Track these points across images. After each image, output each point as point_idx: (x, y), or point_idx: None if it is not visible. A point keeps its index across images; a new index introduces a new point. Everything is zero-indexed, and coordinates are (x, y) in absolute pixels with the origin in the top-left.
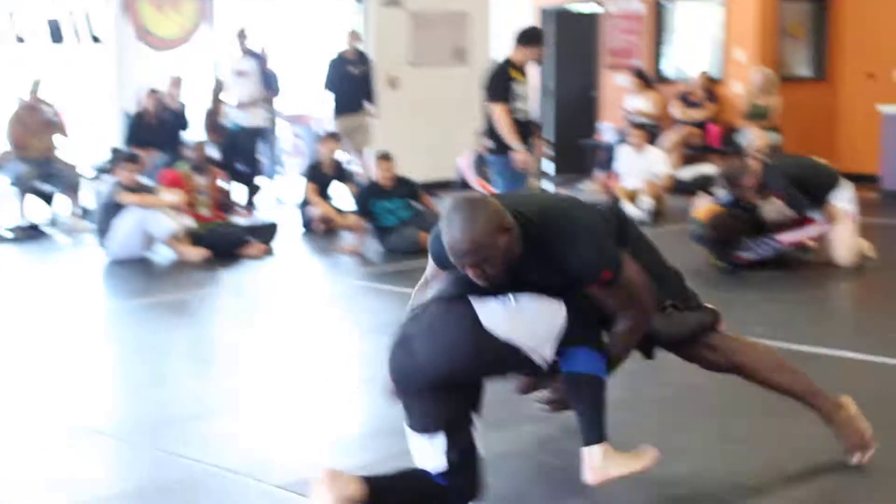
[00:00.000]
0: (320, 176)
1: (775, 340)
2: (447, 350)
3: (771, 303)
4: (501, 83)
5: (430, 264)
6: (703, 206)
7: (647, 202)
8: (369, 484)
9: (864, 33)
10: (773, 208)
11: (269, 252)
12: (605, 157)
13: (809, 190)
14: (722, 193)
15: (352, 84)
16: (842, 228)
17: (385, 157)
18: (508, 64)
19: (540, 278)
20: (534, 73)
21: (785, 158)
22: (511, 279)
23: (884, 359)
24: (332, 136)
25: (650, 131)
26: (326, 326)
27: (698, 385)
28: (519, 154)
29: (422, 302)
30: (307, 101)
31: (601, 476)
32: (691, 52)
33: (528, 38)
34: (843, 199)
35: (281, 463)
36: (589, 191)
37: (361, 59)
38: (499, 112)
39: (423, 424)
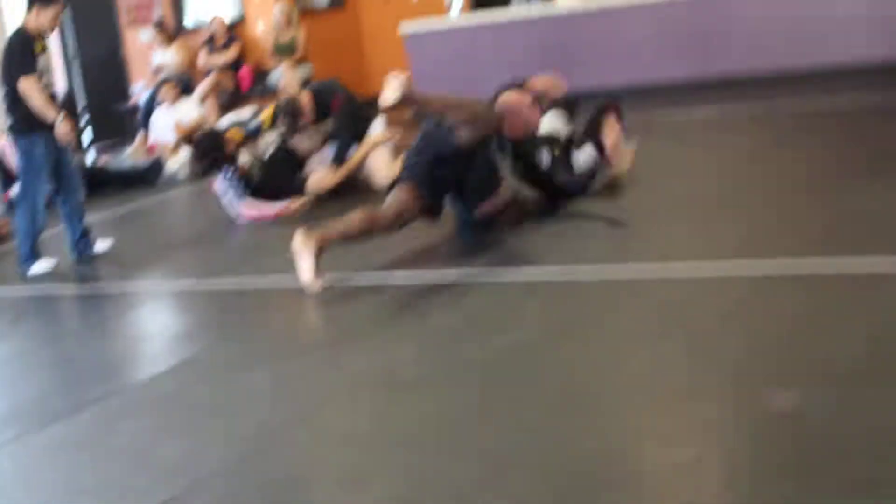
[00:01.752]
0: None
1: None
2: None
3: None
4: (27, 55)
5: None
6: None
7: (184, 152)
8: None
9: None
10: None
11: None
12: (142, 118)
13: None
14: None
15: None
16: (377, 154)
17: None
18: (27, 33)
19: None
20: (53, 41)
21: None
22: None
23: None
24: None
25: (182, 84)
26: None
27: None
28: (63, 126)
29: None
30: None
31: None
32: None
33: (44, 0)
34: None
35: None
36: (132, 154)
37: None
38: (30, 86)
39: None
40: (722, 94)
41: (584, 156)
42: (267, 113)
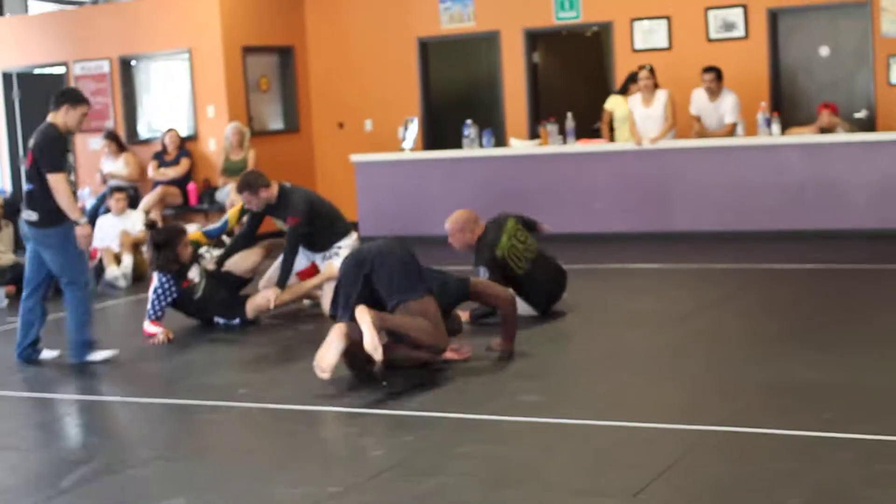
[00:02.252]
0: None
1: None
2: None
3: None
4: (57, 152)
5: None
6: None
7: (127, 261)
8: None
9: (331, 85)
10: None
11: None
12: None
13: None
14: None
15: None
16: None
17: None
18: (57, 130)
19: None
20: (2, 143)
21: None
22: None
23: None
24: None
25: (129, 194)
26: None
27: None
28: (82, 229)
29: None
30: None
31: None
32: (164, 110)
33: (76, 98)
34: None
35: None
36: None
37: None
38: (59, 182)
39: None
40: (671, 248)
41: None
42: (233, 212)
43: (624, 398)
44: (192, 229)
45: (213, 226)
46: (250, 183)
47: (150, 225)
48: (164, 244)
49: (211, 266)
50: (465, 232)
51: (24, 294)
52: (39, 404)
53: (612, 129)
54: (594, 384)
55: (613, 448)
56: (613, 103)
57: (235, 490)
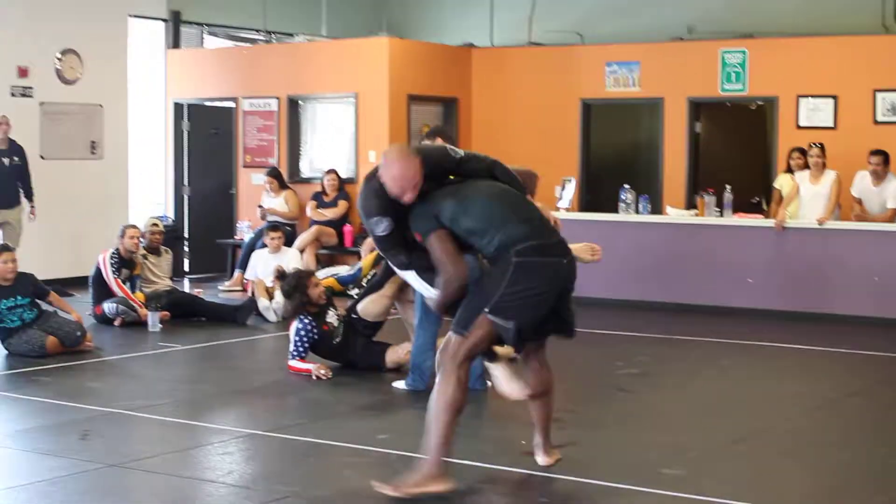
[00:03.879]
0: None
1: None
2: None
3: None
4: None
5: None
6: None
7: (279, 297)
8: None
9: (492, 139)
10: None
11: None
12: (243, 257)
13: None
14: None
15: (3, 175)
16: None
17: (4, 250)
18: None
19: None
20: (168, 170)
21: None
22: None
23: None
24: None
25: (286, 231)
26: None
27: None
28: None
29: None
30: None
31: None
32: (327, 151)
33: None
34: None
35: None
36: (227, 289)
37: (13, 148)
38: None
39: None
40: (824, 330)
41: None
42: (367, 260)
43: (767, 479)
44: (324, 274)
45: (348, 272)
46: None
47: (280, 276)
48: (293, 290)
49: (343, 311)
50: None
51: None
52: (184, 430)
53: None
54: (737, 463)
55: None
56: (782, 181)
57: None
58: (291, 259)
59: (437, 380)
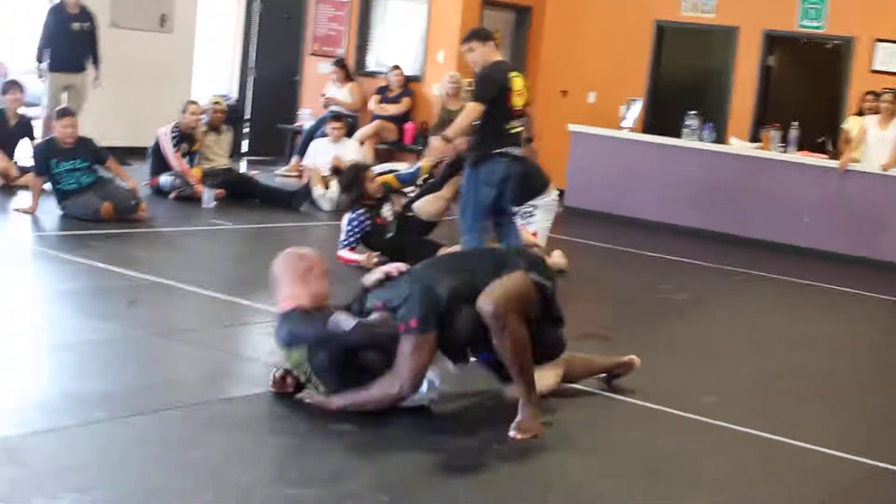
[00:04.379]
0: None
1: None
2: None
3: None
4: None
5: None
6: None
7: (334, 186)
8: None
9: (562, 51)
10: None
11: None
12: (302, 143)
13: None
14: None
15: (72, 40)
16: None
17: (66, 114)
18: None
19: None
20: (235, 50)
21: None
22: None
23: None
24: (16, 86)
25: (348, 122)
26: None
27: None
28: None
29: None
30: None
31: None
32: (395, 47)
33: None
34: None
35: None
36: (283, 174)
37: (84, 13)
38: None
39: None
40: (876, 275)
41: None
42: (427, 161)
43: (803, 416)
44: (381, 169)
45: (407, 170)
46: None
47: (335, 171)
48: (350, 183)
49: (399, 208)
50: None
51: None
52: (229, 307)
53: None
54: (775, 398)
55: (776, 464)
56: (851, 123)
57: None
58: (350, 150)
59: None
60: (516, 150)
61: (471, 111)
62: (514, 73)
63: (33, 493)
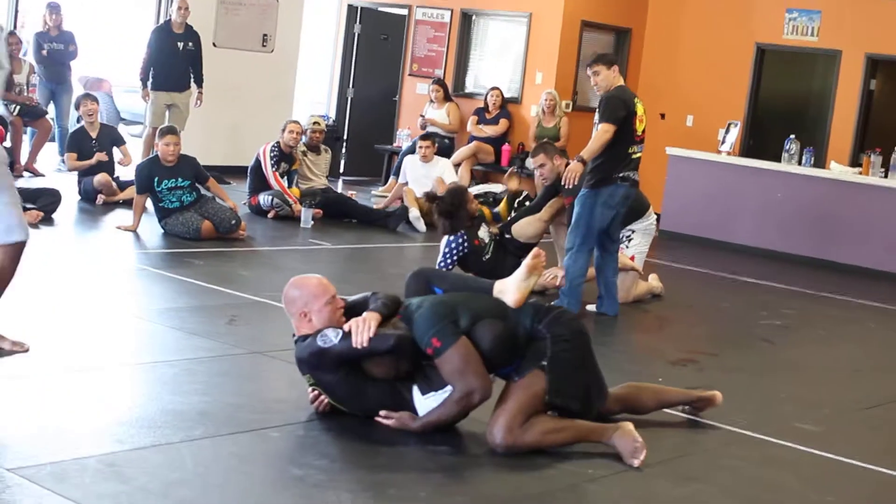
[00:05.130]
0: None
1: None
2: None
3: None
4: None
5: None
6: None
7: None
8: None
9: (661, 74)
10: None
11: (46, 220)
12: (398, 163)
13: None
14: None
15: (176, 59)
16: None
17: (169, 132)
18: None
19: None
20: (335, 71)
21: None
22: None
23: None
24: (89, 98)
25: (443, 143)
26: (91, 306)
27: None
28: None
29: None
30: (107, 66)
31: None
32: (494, 69)
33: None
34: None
35: (19, 445)
36: (381, 193)
37: (189, 33)
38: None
39: None
40: None
41: None
42: (512, 185)
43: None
44: (477, 191)
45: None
46: (546, 146)
47: (431, 198)
48: (454, 209)
49: (495, 230)
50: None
51: None
52: None
53: None
54: (871, 427)
55: (873, 494)
56: None
57: None
58: (443, 169)
59: None
60: (636, 175)
61: (603, 133)
62: (637, 99)
63: None
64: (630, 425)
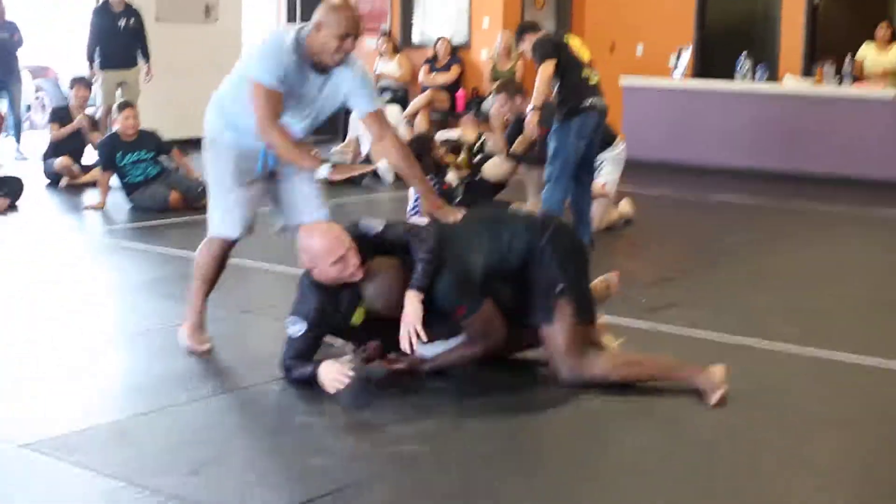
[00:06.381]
0: (68, 121)
1: None
2: None
3: None
4: None
5: None
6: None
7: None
8: None
9: (606, 6)
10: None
11: (11, 208)
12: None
13: None
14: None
15: (120, 37)
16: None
17: (127, 106)
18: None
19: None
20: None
21: None
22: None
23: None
24: (83, 83)
25: (397, 95)
26: (71, 284)
27: None
28: None
29: None
30: (52, 53)
31: None
32: (439, 17)
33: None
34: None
35: (27, 422)
36: (339, 152)
37: (129, 10)
38: None
39: None
40: None
41: None
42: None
43: (890, 339)
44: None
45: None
46: (507, 85)
47: (455, 149)
48: (421, 155)
49: (465, 173)
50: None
51: None
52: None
53: None
54: (855, 324)
55: (867, 385)
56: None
57: None
58: (399, 122)
59: None
60: (603, 101)
61: (542, 71)
62: (567, 35)
63: (151, 472)
64: (721, 370)
